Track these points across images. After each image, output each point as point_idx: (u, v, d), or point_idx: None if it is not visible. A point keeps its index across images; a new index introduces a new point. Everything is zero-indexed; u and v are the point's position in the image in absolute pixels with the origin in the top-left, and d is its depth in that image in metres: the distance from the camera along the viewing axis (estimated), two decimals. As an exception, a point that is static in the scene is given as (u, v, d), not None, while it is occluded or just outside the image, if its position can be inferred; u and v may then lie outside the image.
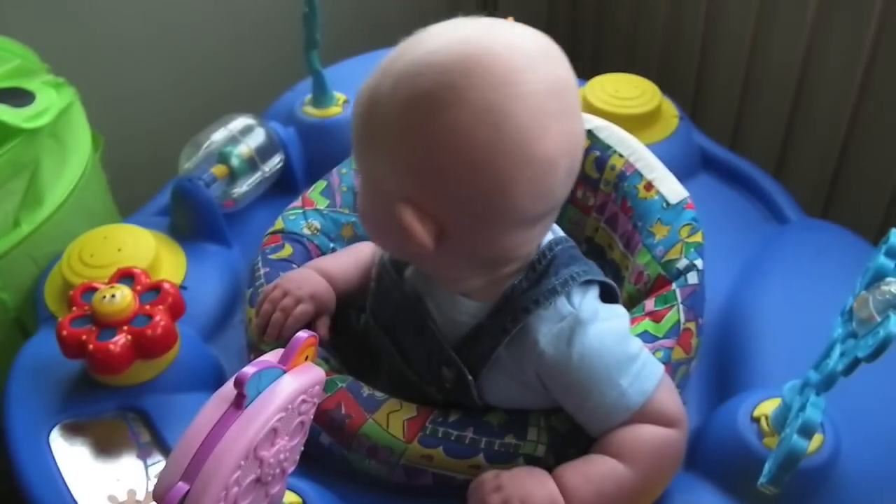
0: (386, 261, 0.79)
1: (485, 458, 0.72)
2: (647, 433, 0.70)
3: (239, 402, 0.51)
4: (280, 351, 0.55)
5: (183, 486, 0.50)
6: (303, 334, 0.56)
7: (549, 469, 0.70)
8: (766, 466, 0.63)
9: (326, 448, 0.75)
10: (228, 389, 0.52)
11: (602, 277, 0.74)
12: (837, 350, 0.61)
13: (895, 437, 0.76)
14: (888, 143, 1.15)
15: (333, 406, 0.74)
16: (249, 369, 0.52)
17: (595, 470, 0.69)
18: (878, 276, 0.61)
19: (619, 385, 0.69)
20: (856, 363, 0.58)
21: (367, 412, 0.74)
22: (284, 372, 0.54)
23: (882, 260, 0.61)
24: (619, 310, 0.74)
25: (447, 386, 0.73)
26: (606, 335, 0.71)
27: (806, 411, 0.60)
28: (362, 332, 0.91)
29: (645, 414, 0.70)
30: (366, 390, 0.76)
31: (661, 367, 0.72)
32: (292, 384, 0.54)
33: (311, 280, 0.83)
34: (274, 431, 0.53)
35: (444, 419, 0.73)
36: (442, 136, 0.62)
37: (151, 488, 0.73)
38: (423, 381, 0.76)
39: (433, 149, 0.62)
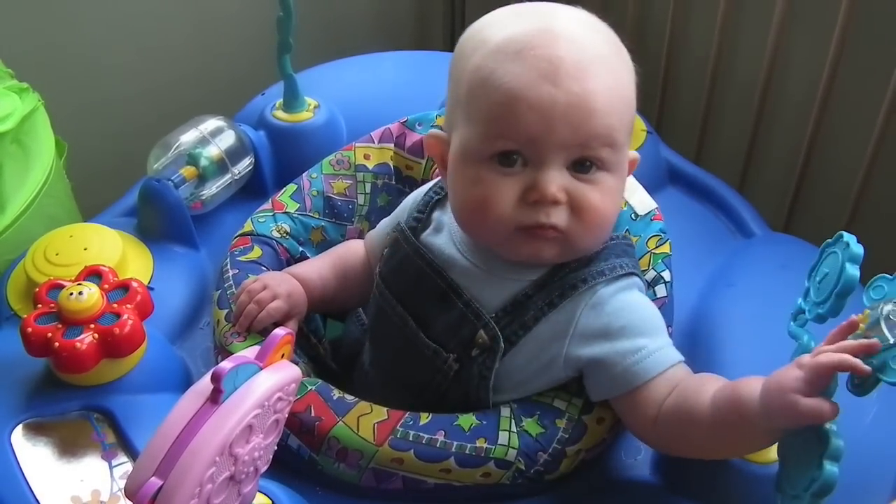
0: (405, 227, 0.82)
1: (455, 462, 0.72)
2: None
3: (215, 397, 0.51)
4: (256, 348, 0.55)
5: (156, 482, 0.49)
6: (280, 331, 0.55)
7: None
8: (779, 496, 0.63)
9: (295, 451, 0.75)
10: (204, 384, 0.51)
11: (642, 277, 0.80)
12: None
13: (859, 447, 0.76)
14: (848, 158, 1.17)
15: (303, 409, 0.74)
16: (227, 364, 0.51)
17: None
18: (849, 285, 0.61)
19: (665, 336, 0.75)
20: (876, 383, 0.58)
21: (337, 415, 0.74)
22: (261, 368, 0.54)
23: (850, 269, 0.61)
24: None
25: (474, 353, 0.74)
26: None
27: (833, 441, 0.59)
28: (345, 331, 0.92)
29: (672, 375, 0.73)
30: (336, 393, 0.76)
31: None
32: (269, 380, 0.54)
33: (289, 282, 0.85)
34: (249, 428, 0.53)
35: (416, 422, 0.73)
36: None
37: (116, 489, 0.72)
38: (440, 349, 0.76)
39: None
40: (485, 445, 0.72)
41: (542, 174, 0.70)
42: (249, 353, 0.55)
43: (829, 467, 0.58)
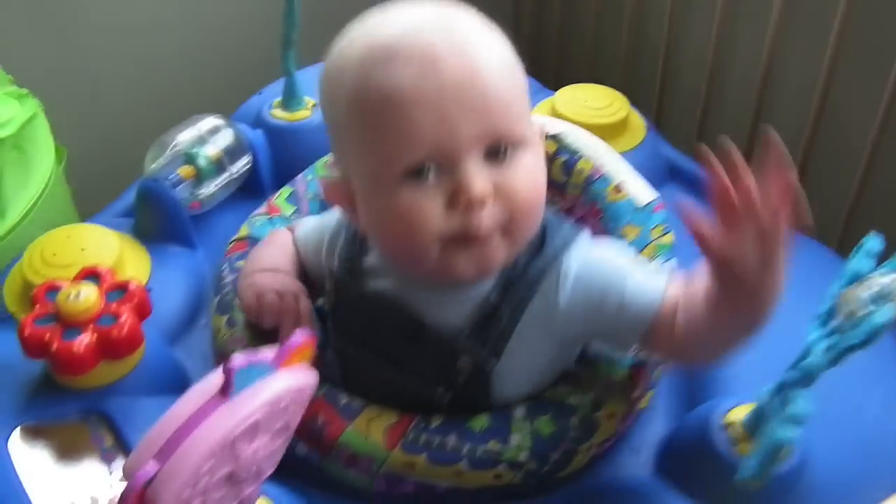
0: (340, 272, 0.77)
1: (467, 465, 0.70)
2: None
3: (225, 391, 0.50)
4: (276, 347, 0.54)
5: (154, 465, 0.49)
6: (301, 334, 0.54)
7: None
8: (747, 462, 0.62)
9: (303, 458, 0.74)
10: (216, 377, 0.50)
11: (586, 229, 0.75)
12: (821, 347, 0.61)
13: (863, 444, 0.77)
14: (847, 155, 1.17)
15: (310, 415, 0.72)
16: (241, 360, 0.50)
17: None
18: (856, 277, 0.61)
19: (639, 265, 0.72)
20: (844, 352, 0.58)
21: (345, 420, 0.72)
22: (275, 369, 0.53)
23: (861, 261, 0.61)
24: None
25: (460, 380, 0.72)
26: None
27: (797, 403, 0.59)
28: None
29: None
30: (343, 398, 0.74)
31: None
32: (282, 382, 0.52)
33: (291, 282, 0.81)
34: (255, 427, 0.52)
35: (426, 426, 0.72)
36: None
37: (115, 493, 0.72)
38: (424, 384, 0.73)
39: None
40: (497, 447, 0.71)
41: (462, 174, 0.63)
42: (268, 352, 0.54)
43: (785, 428, 0.59)
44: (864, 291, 0.59)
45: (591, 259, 0.71)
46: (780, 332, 0.71)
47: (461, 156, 0.63)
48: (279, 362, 0.53)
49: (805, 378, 0.62)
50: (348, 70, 0.66)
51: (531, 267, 0.71)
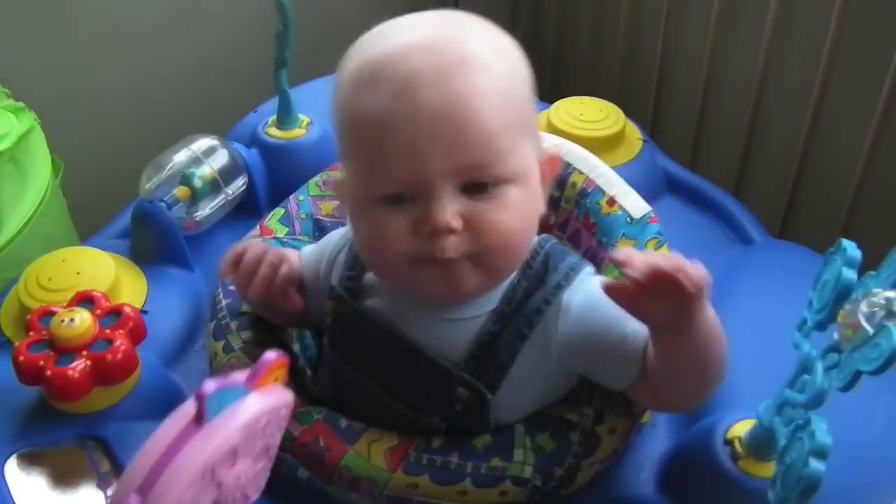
0: (340, 287, 0.76)
1: (472, 483, 0.70)
2: None
3: (199, 419, 0.50)
4: (248, 370, 0.54)
5: (136, 500, 0.48)
6: (272, 354, 0.54)
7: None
8: (772, 497, 0.62)
9: (305, 483, 0.73)
10: (190, 405, 0.50)
11: (590, 264, 0.75)
12: (820, 366, 0.61)
13: (868, 456, 0.76)
14: (843, 164, 1.17)
15: (311, 439, 0.72)
16: (211, 385, 0.50)
17: None
18: (846, 288, 0.60)
19: None
20: (857, 376, 0.57)
21: (346, 443, 0.71)
22: (249, 391, 0.53)
23: (846, 273, 0.60)
24: None
25: (458, 409, 0.71)
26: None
27: (815, 436, 0.58)
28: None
29: None
30: (343, 421, 0.73)
31: None
32: (256, 404, 0.52)
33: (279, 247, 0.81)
34: (234, 452, 0.51)
35: (428, 446, 0.71)
36: None
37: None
38: (420, 413, 0.72)
39: None
40: (500, 464, 0.70)
41: (431, 204, 0.63)
42: (240, 375, 0.53)
43: (815, 464, 0.57)
44: (867, 308, 0.57)
45: (594, 294, 0.70)
46: (779, 345, 0.71)
47: (433, 186, 0.64)
48: (252, 384, 0.52)
49: (815, 400, 0.61)
50: (342, 87, 0.67)
51: (532, 299, 0.71)
